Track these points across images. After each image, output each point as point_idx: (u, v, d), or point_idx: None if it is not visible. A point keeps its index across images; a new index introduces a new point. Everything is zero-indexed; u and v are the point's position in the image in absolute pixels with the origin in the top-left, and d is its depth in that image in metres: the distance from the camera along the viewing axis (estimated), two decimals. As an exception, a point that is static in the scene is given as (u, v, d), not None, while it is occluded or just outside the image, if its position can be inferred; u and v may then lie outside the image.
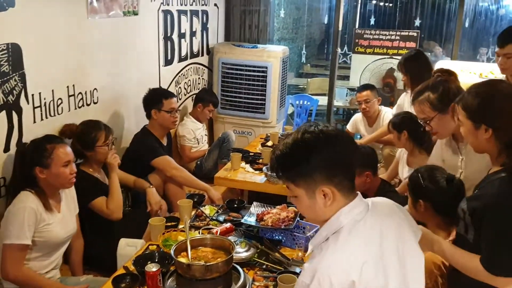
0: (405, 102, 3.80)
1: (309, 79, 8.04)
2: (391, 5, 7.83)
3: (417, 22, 6.00)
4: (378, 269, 1.30)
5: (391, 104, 5.15)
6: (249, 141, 4.72)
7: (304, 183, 1.35)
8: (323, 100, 6.43)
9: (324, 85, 6.79)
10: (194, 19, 4.63)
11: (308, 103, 6.57)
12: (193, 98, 4.62)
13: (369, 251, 1.31)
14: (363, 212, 1.37)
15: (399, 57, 5.27)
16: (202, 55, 4.92)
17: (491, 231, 1.66)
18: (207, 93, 4.50)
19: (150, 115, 3.49)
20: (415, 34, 5.33)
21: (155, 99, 3.48)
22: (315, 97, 6.68)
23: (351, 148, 1.40)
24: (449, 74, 2.38)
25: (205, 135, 4.51)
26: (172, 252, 2.04)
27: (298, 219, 2.57)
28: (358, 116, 4.47)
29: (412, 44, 5.30)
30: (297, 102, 6.59)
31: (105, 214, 2.75)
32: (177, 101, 3.72)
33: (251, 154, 3.87)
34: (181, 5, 4.35)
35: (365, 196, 1.47)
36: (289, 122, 6.35)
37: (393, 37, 5.37)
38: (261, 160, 3.73)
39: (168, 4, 4.10)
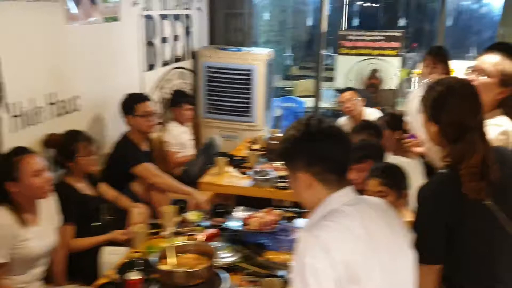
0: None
1: (296, 81, 8.03)
2: (375, 5, 7.87)
3: (402, 22, 6.03)
4: (365, 252, 1.38)
5: (376, 104, 5.17)
6: (236, 145, 4.70)
7: (289, 165, 1.50)
8: (310, 102, 6.43)
9: (312, 87, 6.78)
10: (177, 23, 4.61)
11: (295, 105, 6.57)
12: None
13: (354, 235, 1.39)
14: (352, 201, 1.46)
15: (384, 58, 5.35)
16: (186, 59, 4.90)
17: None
18: (178, 94, 4.44)
19: (127, 122, 3.46)
20: (399, 34, 5.35)
21: (127, 105, 3.42)
22: (302, 99, 6.67)
23: (339, 145, 1.45)
24: None
25: (191, 139, 4.49)
26: (154, 259, 2.03)
27: (286, 221, 2.57)
28: (342, 119, 4.47)
29: (396, 44, 5.32)
30: (284, 104, 6.58)
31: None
32: (157, 104, 3.65)
33: (237, 158, 3.86)
34: (163, 9, 4.33)
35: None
36: (277, 125, 6.34)
37: (377, 37, 5.39)
38: (247, 164, 3.72)
39: (149, 9, 4.08)
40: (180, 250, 2.15)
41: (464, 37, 6.78)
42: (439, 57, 3.48)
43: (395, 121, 3.21)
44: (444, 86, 1.74)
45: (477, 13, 6.43)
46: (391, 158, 2.84)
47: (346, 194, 1.47)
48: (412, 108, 3.67)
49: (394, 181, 2.36)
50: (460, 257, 1.71)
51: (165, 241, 2.43)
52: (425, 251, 1.66)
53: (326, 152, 1.43)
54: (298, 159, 1.44)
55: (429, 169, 2.92)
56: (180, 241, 2.37)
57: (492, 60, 2.15)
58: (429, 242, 1.69)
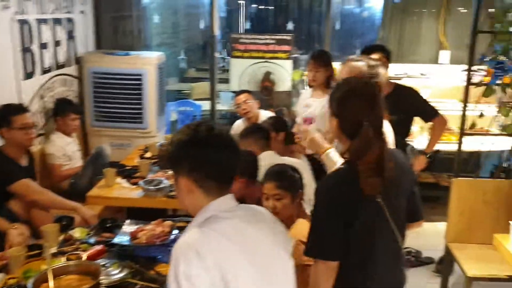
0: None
1: (193, 84, 7.95)
2: (269, 8, 8.02)
3: (290, 26, 6.18)
4: (240, 258, 1.39)
5: (270, 107, 5.24)
6: (128, 154, 4.53)
7: (173, 170, 1.50)
8: (208, 105, 6.38)
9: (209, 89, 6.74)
10: (58, 28, 4.35)
11: (191, 109, 6.50)
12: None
13: (229, 240, 1.39)
14: (232, 208, 1.47)
15: (276, 61, 5.46)
16: (70, 65, 4.64)
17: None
18: (63, 103, 4.21)
19: (2, 135, 3.19)
20: (289, 38, 5.47)
21: (3, 117, 3.16)
22: (199, 102, 6.61)
23: (222, 153, 1.44)
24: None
25: (78, 150, 4.26)
26: (30, 285, 1.88)
27: (178, 232, 2.51)
28: (239, 122, 4.48)
29: (287, 48, 5.43)
30: (180, 108, 6.49)
31: None
32: (37, 115, 3.40)
33: (127, 168, 3.71)
34: (40, 13, 4.05)
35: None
36: (174, 130, 6.23)
37: (268, 41, 5.47)
38: (138, 173, 3.59)
39: (23, 13, 3.79)
40: (60, 272, 2.03)
41: (349, 39, 7.14)
42: (319, 62, 3.59)
43: (278, 124, 3.29)
44: (348, 85, 1.84)
45: (360, 17, 6.80)
46: (280, 159, 2.88)
47: (225, 201, 1.47)
48: (303, 110, 3.79)
49: (289, 182, 2.39)
50: (351, 250, 1.74)
51: (45, 263, 2.26)
52: (323, 247, 1.70)
53: (207, 159, 1.43)
54: (181, 164, 1.45)
55: (316, 167, 3.01)
56: (61, 261, 2.21)
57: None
58: (327, 238, 1.72)
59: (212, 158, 1.43)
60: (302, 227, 2.33)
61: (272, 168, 2.50)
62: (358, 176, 1.68)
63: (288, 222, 2.36)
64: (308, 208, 2.67)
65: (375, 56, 3.07)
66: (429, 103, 3.36)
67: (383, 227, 1.77)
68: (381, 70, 2.34)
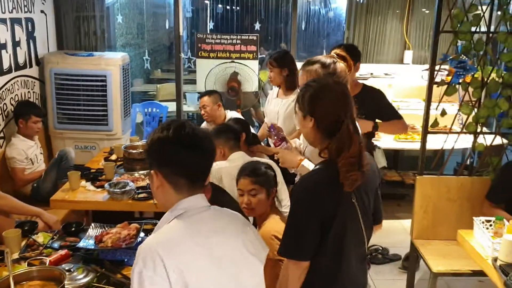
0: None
1: (159, 85, 7.86)
2: (231, 9, 7.99)
3: (257, 26, 6.17)
4: (201, 260, 1.39)
5: (238, 107, 5.23)
6: (93, 156, 4.44)
7: (148, 163, 1.52)
8: (174, 106, 6.32)
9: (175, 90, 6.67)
10: (17, 27, 4.23)
11: (157, 110, 6.42)
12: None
13: (194, 242, 1.40)
14: (202, 209, 1.47)
15: (242, 61, 5.44)
16: (31, 66, 4.52)
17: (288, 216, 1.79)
18: (25, 106, 4.12)
19: None
20: (254, 38, 5.46)
21: None
22: (165, 103, 6.54)
23: (193, 152, 1.44)
24: (343, 60, 2.45)
25: (41, 153, 4.15)
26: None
27: (144, 234, 2.47)
28: (204, 125, 4.44)
29: (253, 48, 5.42)
30: (146, 110, 6.41)
31: None
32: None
33: (92, 170, 3.63)
34: (-2, 12, 3.95)
35: None
36: (139, 131, 6.14)
37: (234, 41, 5.45)
38: (104, 176, 3.52)
39: (-20, 13, 3.68)
40: (23, 278, 1.98)
41: (316, 39, 7.21)
42: (273, 61, 3.61)
43: (241, 124, 3.28)
44: (319, 84, 1.83)
45: (326, 17, 6.87)
46: (252, 160, 2.87)
47: (196, 200, 1.47)
48: (269, 109, 3.79)
49: (264, 178, 2.41)
50: (323, 250, 1.74)
51: (6, 270, 2.18)
52: (299, 248, 1.70)
53: (175, 156, 1.44)
54: (152, 158, 1.48)
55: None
56: (23, 267, 2.15)
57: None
58: (304, 239, 1.71)
59: (180, 156, 1.43)
60: (275, 222, 2.34)
61: (247, 165, 2.52)
62: (335, 175, 1.68)
63: (261, 219, 2.35)
64: (279, 206, 2.68)
65: (334, 52, 3.08)
66: (394, 107, 3.39)
67: (354, 228, 1.78)
68: (338, 65, 2.36)
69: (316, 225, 1.69)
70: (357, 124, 1.80)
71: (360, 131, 1.82)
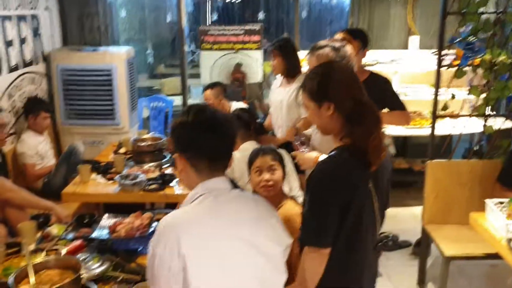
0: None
1: (163, 80, 7.87)
2: (231, 2, 7.98)
3: (261, 16, 6.15)
4: (209, 242, 1.40)
5: (243, 98, 5.23)
6: (102, 151, 4.45)
7: (172, 145, 1.56)
8: (179, 100, 6.33)
9: (180, 84, 6.67)
10: (22, 25, 4.23)
11: (163, 104, 6.43)
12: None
13: (212, 222, 1.42)
14: (223, 191, 1.49)
15: (246, 52, 5.44)
16: (37, 63, 4.53)
17: (306, 203, 1.76)
18: (34, 102, 4.15)
19: None
20: (258, 28, 5.45)
21: None
22: (170, 98, 6.55)
23: (212, 135, 1.46)
24: (348, 42, 2.44)
25: (50, 148, 4.17)
26: (10, 281, 1.85)
27: (157, 223, 2.47)
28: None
29: (256, 38, 5.41)
30: (152, 104, 6.41)
31: None
32: (6, 114, 3.30)
33: (102, 164, 3.65)
34: (3, 9, 3.94)
35: None
36: (146, 126, 6.15)
37: (237, 32, 5.44)
38: (114, 169, 3.53)
39: (-14, 10, 3.69)
40: (40, 267, 2.00)
41: (319, 27, 7.18)
42: (276, 50, 3.56)
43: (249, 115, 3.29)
44: (326, 68, 1.78)
45: (329, 5, 6.85)
46: None
47: (217, 182, 1.50)
48: (273, 99, 3.77)
49: (280, 156, 2.42)
50: (340, 236, 1.72)
51: (24, 260, 2.21)
52: (317, 234, 1.68)
53: (196, 139, 1.47)
54: (176, 142, 1.52)
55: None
56: (40, 258, 2.17)
57: None
58: (322, 225, 1.68)
59: (200, 139, 1.46)
60: (294, 204, 2.35)
61: (260, 147, 2.52)
62: (352, 160, 1.66)
63: (275, 202, 2.36)
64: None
65: (338, 36, 3.06)
66: (399, 97, 3.34)
67: (369, 214, 1.76)
68: (348, 48, 2.35)
69: (335, 210, 1.67)
70: None
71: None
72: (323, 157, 2.15)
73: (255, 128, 3.28)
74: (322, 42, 2.43)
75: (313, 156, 2.27)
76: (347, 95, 1.70)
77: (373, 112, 1.70)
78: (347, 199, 1.67)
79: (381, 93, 3.12)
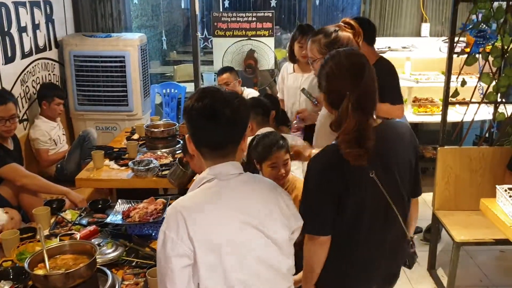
0: None
1: (175, 66, 7.89)
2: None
3: (273, 3, 6.12)
4: (218, 225, 1.41)
5: (254, 85, 5.23)
6: (114, 137, 4.50)
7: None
8: (192, 87, 6.34)
9: (192, 71, 6.68)
10: (36, 10, 4.26)
11: (176, 90, 6.45)
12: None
13: (220, 206, 1.44)
14: (231, 176, 1.49)
15: (259, 38, 5.43)
16: (50, 49, 4.57)
17: (302, 193, 1.79)
18: (47, 88, 4.18)
19: None
20: (270, 15, 5.43)
21: None
22: (182, 84, 6.56)
23: (212, 122, 1.45)
24: (351, 28, 2.42)
25: (63, 134, 4.22)
26: (26, 265, 1.88)
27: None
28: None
29: (268, 25, 5.40)
30: (164, 90, 6.44)
31: None
32: (16, 106, 3.29)
33: (115, 150, 3.69)
34: (17, -4, 3.97)
35: None
36: (159, 112, 6.19)
37: (250, 18, 5.43)
38: (127, 155, 3.57)
39: (1, -4, 3.71)
40: (55, 252, 2.02)
41: (331, 15, 7.15)
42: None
43: (271, 101, 3.25)
44: (332, 59, 1.78)
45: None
46: None
47: (225, 167, 1.49)
48: (288, 85, 3.76)
49: (288, 146, 2.41)
50: (339, 224, 1.74)
51: (39, 245, 2.25)
52: (312, 222, 1.70)
53: (197, 125, 1.49)
54: (187, 128, 1.53)
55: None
56: (55, 242, 2.21)
57: None
58: (316, 214, 1.71)
59: (199, 125, 1.47)
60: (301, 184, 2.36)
61: (271, 139, 2.43)
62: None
63: (286, 184, 2.37)
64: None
65: (343, 20, 3.04)
66: (399, 90, 3.26)
67: (376, 203, 1.74)
68: (340, 34, 2.35)
69: (329, 200, 1.69)
70: (376, 99, 1.76)
71: (374, 107, 1.78)
72: (315, 151, 2.16)
73: (277, 116, 3.19)
74: (320, 28, 2.44)
75: (306, 153, 2.30)
76: (332, 86, 1.75)
77: (347, 107, 1.67)
78: (341, 188, 1.68)
79: (383, 81, 3.08)
